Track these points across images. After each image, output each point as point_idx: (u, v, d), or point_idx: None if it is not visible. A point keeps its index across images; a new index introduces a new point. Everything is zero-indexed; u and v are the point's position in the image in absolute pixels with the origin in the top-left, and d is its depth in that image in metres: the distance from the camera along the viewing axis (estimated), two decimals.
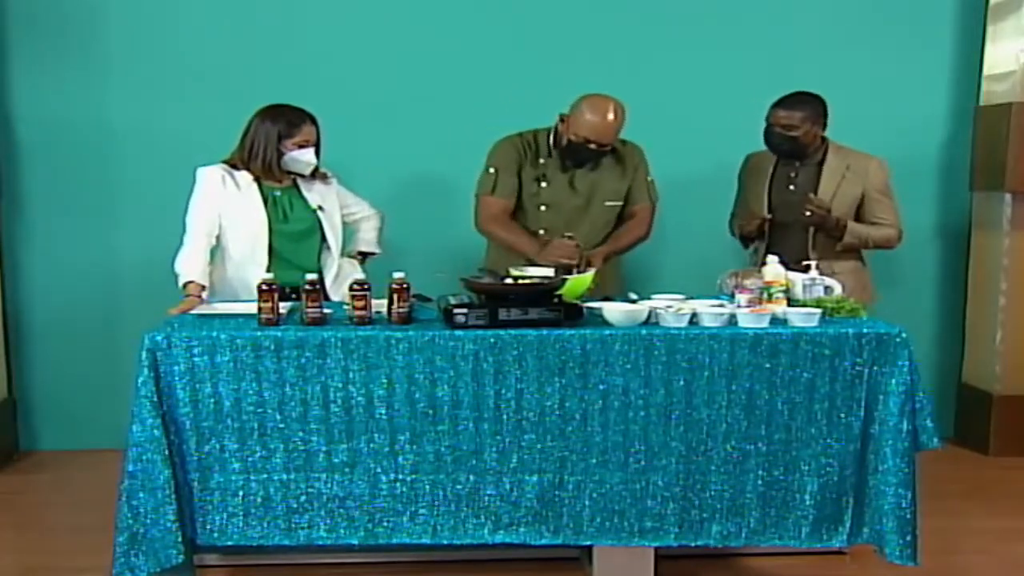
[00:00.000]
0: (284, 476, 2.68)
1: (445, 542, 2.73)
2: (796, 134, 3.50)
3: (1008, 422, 4.34)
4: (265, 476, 2.68)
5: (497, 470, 2.69)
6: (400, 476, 2.69)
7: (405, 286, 2.76)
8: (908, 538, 2.66)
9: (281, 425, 2.65)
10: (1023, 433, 4.32)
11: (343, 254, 3.53)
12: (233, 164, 3.35)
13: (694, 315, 2.76)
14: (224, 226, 3.30)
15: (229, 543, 2.73)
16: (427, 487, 2.69)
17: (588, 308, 2.84)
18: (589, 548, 2.90)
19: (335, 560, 3.09)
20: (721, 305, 2.89)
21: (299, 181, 3.43)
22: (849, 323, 2.78)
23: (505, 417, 2.67)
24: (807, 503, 2.74)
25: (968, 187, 4.49)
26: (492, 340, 2.64)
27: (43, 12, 4.19)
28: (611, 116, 3.37)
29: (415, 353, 2.63)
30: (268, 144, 3.31)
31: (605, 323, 2.76)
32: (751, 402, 2.69)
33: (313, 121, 3.37)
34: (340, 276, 3.42)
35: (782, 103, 3.51)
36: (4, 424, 4.29)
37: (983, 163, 4.36)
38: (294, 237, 3.37)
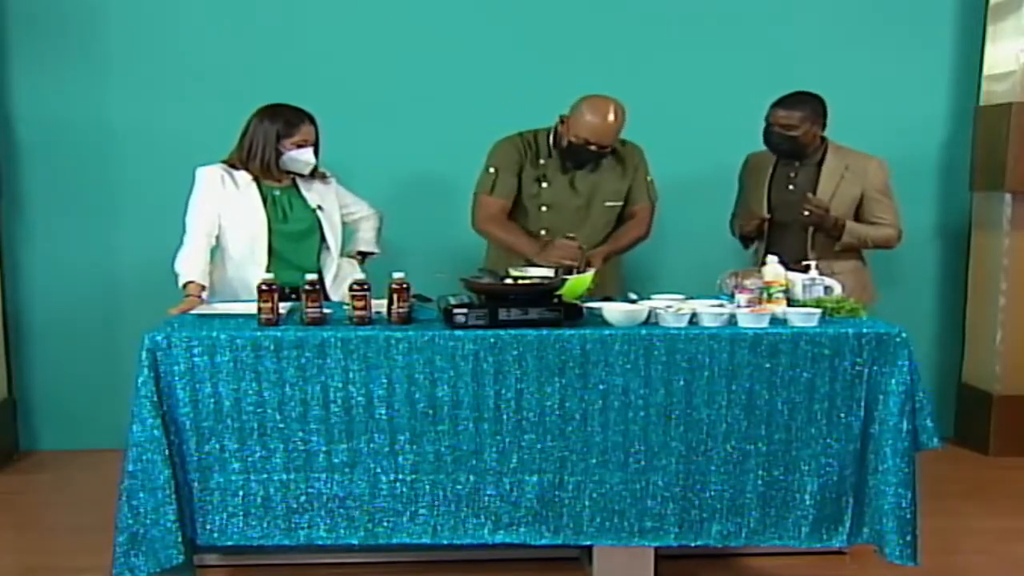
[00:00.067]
0: (284, 476, 2.68)
1: (445, 542, 2.73)
2: (795, 134, 3.50)
3: (1008, 422, 4.34)
4: (265, 476, 2.68)
5: (497, 470, 2.69)
6: (400, 476, 2.69)
7: (405, 286, 2.76)
8: (908, 538, 2.66)
9: (281, 425, 2.65)
10: (1023, 433, 4.32)
11: (342, 254, 3.53)
12: (232, 164, 3.35)
13: (694, 315, 2.76)
14: (224, 226, 3.30)
15: (229, 543, 2.73)
16: (427, 487, 2.69)
17: (588, 308, 2.85)
18: (589, 548, 2.90)
19: (335, 560, 3.09)
20: (721, 305, 2.89)
21: (298, 181, 3.43)
22: (849, 323, 2.78)
23: (505, 417, 2.67)
24: (807, 503, 2.74)
25: (968, 187, 4.49)
26: (492, 340, 2.64)
27: (43, 12, 4.19)
28: (611, 117, 3.37)
29: (415, 353, 2.63)
30: (267, 144, 3.31)
31: (605, 323, 2.76)
32: (751, 402, 2.69)
33: (312, 121, 3.37)
34: (340, 276, 3.42)
35: (781, 103, 3.51)
36: (4, 424, 4.29)
37: (983, 163, 4.36)
38: (293, 237, 3.37)
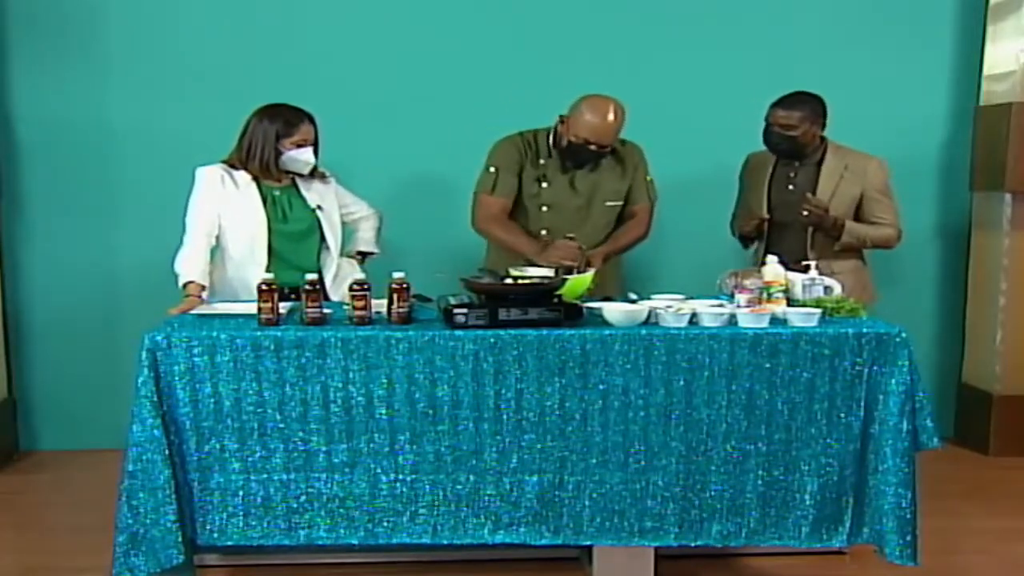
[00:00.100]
0: (284, 476, 2.68)
1: (445, 542, 2.73)
2: (795, 134, 3.50)
3: (1008, 422, 4.34)
4: (265, 476, 2.68)
5: (497, 470, 2.69)
6: (400, 476, 2.69)
7: (405, 286, 2.76)
8: (908, 538, 2.66)
9: (281, 425, 2.65)
10: (1023, 433, 4.32)
11: (342, 254, 3.53)
12: (232, 164, 3.35)
13: (694, 315, 2.76)
14: (223, 226, 3.30)
15: (229, 543, 2.73)
16: (427, 487, 2.69)
17: (588, 308, 2.84)
18: (589, 548, 2.90)
19: (335, 560, 3.09)
20: (721, 305, 2.89)
21: (298, 181, 3.43)
22: (849, 323, 2.78)
23: (505, 417, 2.67)
24: (807, 503, 2.74)
25: (968, 187, 4.49)
26: (492, 340, 2.64)
27: (43, 12, 4.19)
28: (611, 117, 3.37)
29: (415, 353, 2.63)
30: (266, 143, 3.31)
31: (605, 323, 2.76)
32: (751, 402, 2.69)
33: (311, 120, 3.37)
34: (339, 276, 3.42)
35: (781, 103, 3.51)
36: (4, 424, 4.29)
37: (983, 163, 4.36)
38: (293, 237, 3.37)
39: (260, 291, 2.72)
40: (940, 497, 3.59)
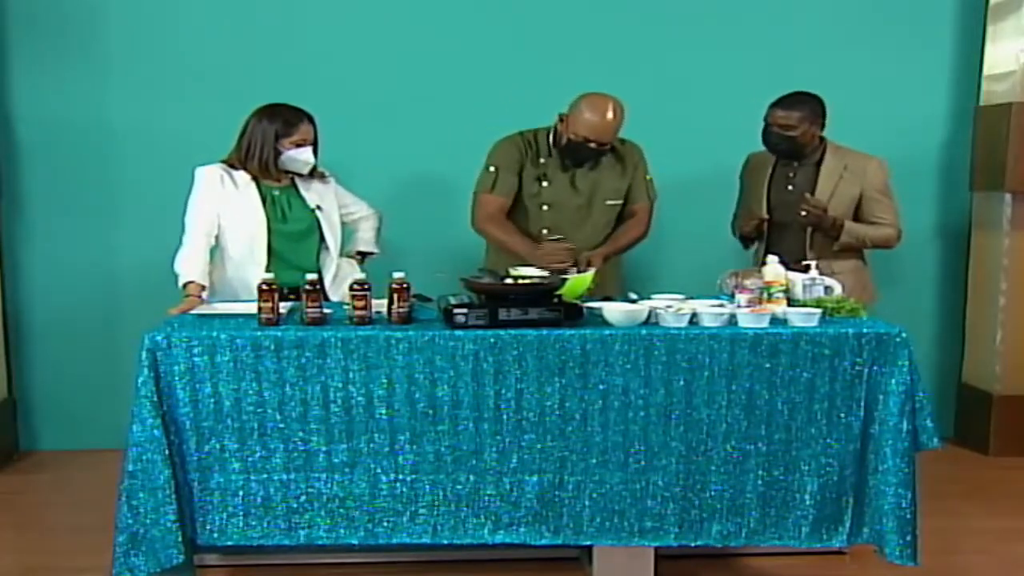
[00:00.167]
0: (284, 476, 2.68)
1: (445, 542, 2.73)
2: (794, 134, 3.50)
3: (1008, 422, 4.34)
4: (265, 476, 2.67)
5: (497, 470, 2.69)
6: (400, 476, 2.69)
7: (405, 286, 2.76)
8: (908, 538, 2.66)
9: (281, 425, 2.65)
10: (1023, 433, 4.32)
11: (342, 254, 3.53)
12: (231, 164, 3.35)
13: (694, 315, 2.76)
14: (223, 226, 3.30)
15: (229, 543, 2.73)
16: (427, 487, 2.69)
17: (588, 308, 2.84)
18: (589, 548, 2.90)
19: (335, 560, 3.09)
20: (721, 305, 2.89)
21: (297, 181, 3.43)
22: (849, 323, 2.78)
23: (505, 417, 2.67)
24: (807, 503, 2.74)
25: (968, 187, 4.49)
26: (492, 340, 2.64)
27: (43, 12, 4.19)
28: (610, 115, 3.37)
29: (415, 353, 2.63)
30: (265, 143, 3.31)
31: (605, 323, 2.76)
32: (751, 402, 2.69)
33: (310, 120, 3.37)
34: (339, 276, 3.42)
35: (780, 103, 3.51)
36: (4, 424, 4.29)
37: (983, 163, 4.36)
38: (293, 237, 3.37)
39: (260, 291, 2.72)
40: (940, 497, 3.59)
